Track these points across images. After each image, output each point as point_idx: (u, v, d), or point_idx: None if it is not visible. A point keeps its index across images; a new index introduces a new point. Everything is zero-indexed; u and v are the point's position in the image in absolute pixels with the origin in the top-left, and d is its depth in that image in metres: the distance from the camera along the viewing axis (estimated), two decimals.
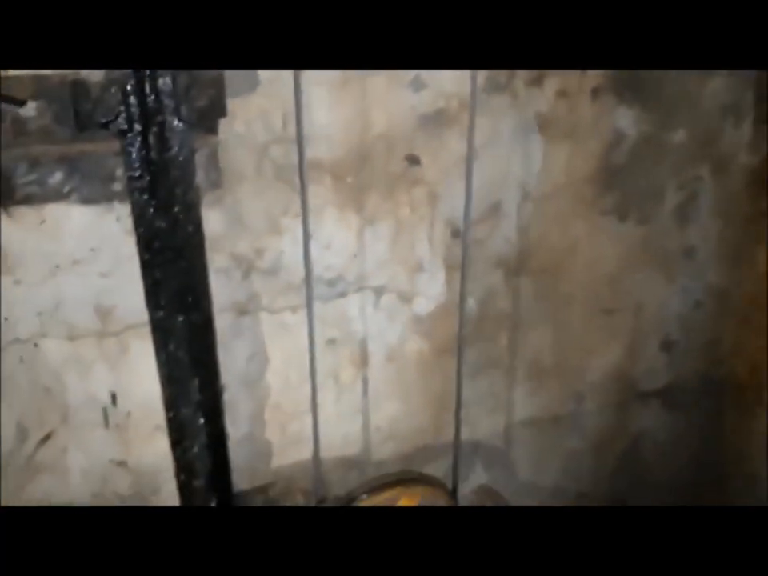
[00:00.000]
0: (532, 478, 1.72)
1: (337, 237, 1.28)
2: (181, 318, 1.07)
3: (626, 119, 1.40)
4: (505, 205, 1.39)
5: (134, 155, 0.93)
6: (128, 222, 1.10)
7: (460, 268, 1.39)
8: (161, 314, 1.06)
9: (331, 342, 1.39)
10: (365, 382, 1.46)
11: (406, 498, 1.38)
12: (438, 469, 1.56)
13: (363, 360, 1.44)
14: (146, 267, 1.03)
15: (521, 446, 1.67)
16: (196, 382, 1.11)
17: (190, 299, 1.07)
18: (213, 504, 1.20)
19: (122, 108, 0.88)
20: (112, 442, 1.30)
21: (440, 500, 1.39)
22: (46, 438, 1.25)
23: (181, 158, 0.96)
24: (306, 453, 1.46)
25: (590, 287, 1.54)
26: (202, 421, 1.13)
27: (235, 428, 1.38)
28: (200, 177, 1.11)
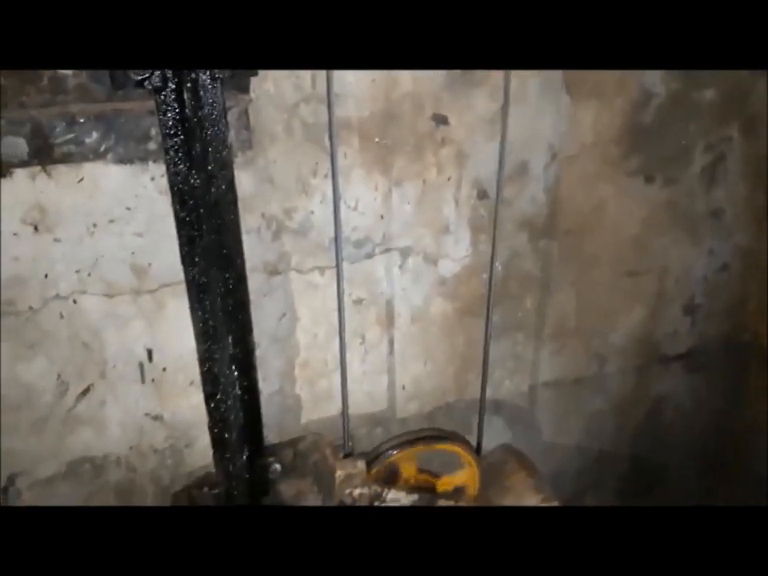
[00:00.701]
0: (554, 437, 1.75)
1: (364, 198, 1.30)
2: (215, 275, 1.10)
3: (654, 77, 1.39)
4: (532, 165, 1.39)
5: (168, 113, 0.95)
6: (162, 182, 1.14)
7: (485, 229, 1.41)
8: (195, 270, 1.09)
9: (358, 302, 1.41)
10: (390, 341, 1.49)
11: (430, 454, 1.42)
12: (461, 428, 1.60)
13: (389, 320, 1.46)
14: (181, 225, 1.05)
15: (543, 406, 1.70)
16: (230, 337, 1.14)
17: (224, 257, 1.09)
18: (244, 457, 1.25)
19: None
20: (148, 397, 1.35)
21: (464, 457, 1.43)
22: (85, 391, 1.30)
23: (214, 116, 0.97)
24: (333, 409, 1.51)
25: (615, 249, 1.54)
26: (235, 375, 1.17)
27: (266, 384, 1.43)
28: (231, 136, 1.13)
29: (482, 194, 1.37)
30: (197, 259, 1.09)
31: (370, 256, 1.36)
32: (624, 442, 1.84)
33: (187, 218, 1.06)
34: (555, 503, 1.44)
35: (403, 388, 1.56)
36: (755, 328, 1.79)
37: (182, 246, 1.09)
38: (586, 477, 1.84)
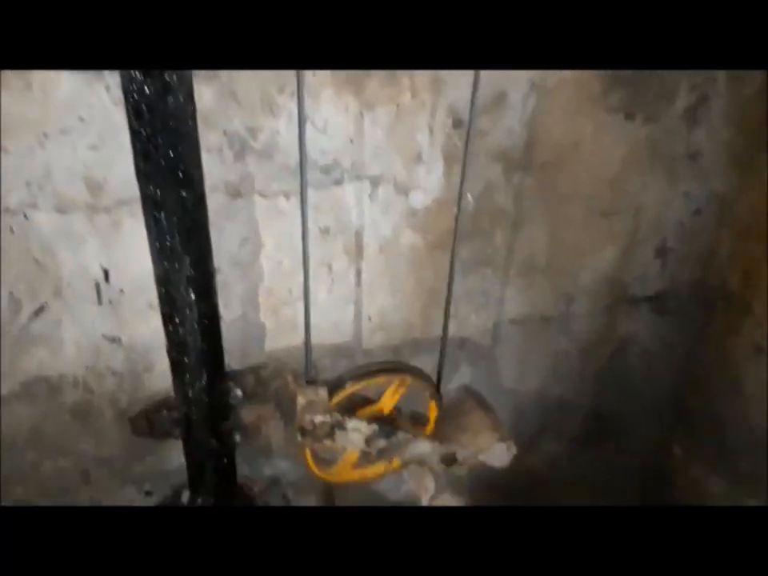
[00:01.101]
0: (517, 376, 1.77)
1: (333, 120, 1.24)
2: (172, 193, 1.05)
3: None
4: (510, 96, 1.33)
5: None
6: (118, 93, 1.07)
7: (459, 160, 1.36)
8: (151, 187, 1.04)
9: (325, 230, 1.38)
10: (358, 272, 1.46)
11: (392, 387, 1.42)
12: (425, 363, 1.60)
13: (357, 250, 1.43)
14: (136, 137, 1.00)
15: (508, 344, 1.70)
16: (188, 259, 1.11)
17: (181, 173, 1.04)
18: (203, 381, 1.24)
19: None
20: (105, 318, 1.32)
21: (425, 392, 1.43)
22: (39, 310, 1.26)
23: None
24: (298, 339, 1.49)
25: (591, 187, 1.51)
26: (193, 297, 1.14)
27: (228, 310, 1.40)
28: None
29: (458, 123, 1.32)
30: (152, 175, 1.04)
31: (338, 183, 1.32)
32: (587, 383, 1.86)
33: (142, 131, 1.00)
34: (510, 442, 1.46)
35: (369, 320, 1.55)
36: (725, 275, 1.80)
37: (136, 160, 1.04)
38: (547, 417, 1.88)
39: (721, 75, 1.48)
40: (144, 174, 1.04)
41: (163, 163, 1.02)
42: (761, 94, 1.53)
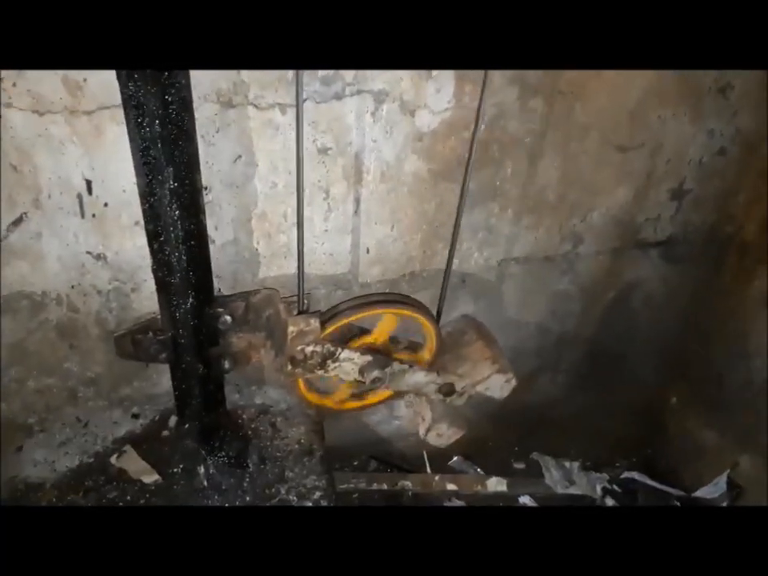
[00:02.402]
0: (518, 314, 1.71)
1: None
2: (155, 95, 0.96)
3: None
4: None
5: None
6: None
7: (472, 79, 1.27)
8: (132, 88, 0.95)
9: (323, 150, 1.29)
10: (356, 200, 1.39)
11: (388, 318, 1.37)
12: (425, 297, 1.54)
13: (357, 176, 1.35)
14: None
15: (511, 282, 1.64)
16: (172, 170, 1.03)
17: (164, 74, 0.95)
18: (189, 303, 1.18)
19: None
20: (88, 233, 1.25)
21: (423, 324, 1.38)
22: (18, 220, 1.19)
23: None
24: (292, 267, 1.43)
25: (609, 118, 1.42)
26: (178, 213, 1.07)
27: (219, 233, 1.34)
28: None
29: None
30: (133, 74, 0.95)
31: (339, 97, 1.22)
32: (588, 326, 1.81)
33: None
34: (510, 374, 1.42)
35: (367, 251, 1.48)
36: (742, 221, 1.72)
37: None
38: (545, 356, 1.83)
39: None
40: (124, 74, 0.95)
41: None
42: None
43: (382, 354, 1.36)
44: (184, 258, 1.13)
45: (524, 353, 1.79)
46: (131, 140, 1.01)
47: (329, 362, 1.32)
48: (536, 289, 1.68)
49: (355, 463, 1.94)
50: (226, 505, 1.33)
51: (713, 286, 1.82)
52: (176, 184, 1.04)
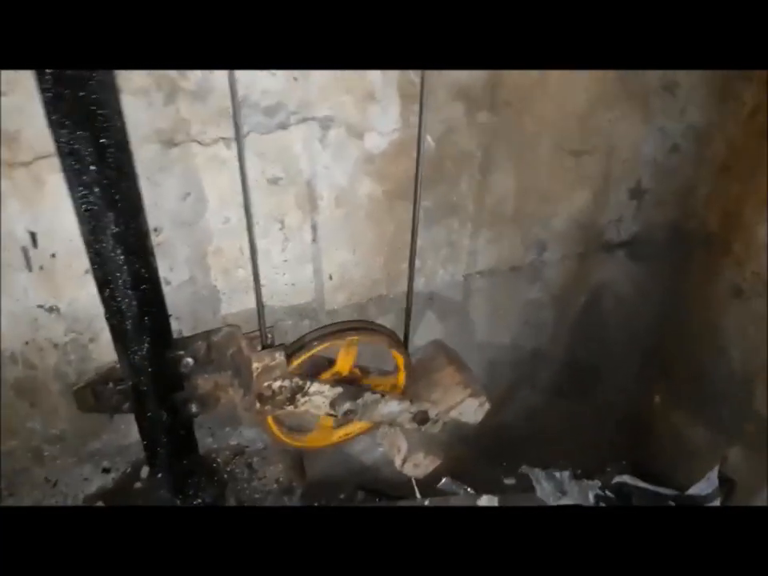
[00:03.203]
0: (489, 329, 1.69)
1: None
2: (89, 140, 0.93)
3: None
4: None
5: None
6: None
7: (417, 98, 1.25)
8: (65, 134, 0.93)
9: (273, 181, 1.27)
10: (313, 227, 1.37)
11: (345, 347, 1.34)
12: (392, 319, 1.52)
13: (311, 203, 1.33)
14: (41, 77, 0.88)
15: (478, 297, 1.62)
16: (112, 215, 1.00)
17: (98, 117, 0.93)
18: (146, 349, 1.14)
19: None
20: (38, 286, 1.21)
21: (392, 350, 1.35)
22: None
23: None
24: (253, 301, 1.39)
25: (559, 125, 1.42)
26: (123, 259, 1.03)
27: (174, 273, 1.30)
28: None
29: None
30: (65, 120, 0.92)
31: (284, 126, 1.20)
32: (562, 333, 1.80)
33: (50, 72, 0.88)
34: (483, 398, 1.39)
35: (330, 278, 1.45)
36: (703, 215, 1.72)
37: (45, 104, 0.91)
38: (522, 369, 1.81)
39: None
40: (56, 121, 0.92)
41: (74, 105, 0.90)
42: None
43: (352, 385, 1.33)
44: (135, 303, 1.09)
45: (500, 366, 1.77)
46: (70, 187, 0.98)
47: (298, 396, 1.29)
48: (506, 300, 1.66)
49: (342, 496, 1.89)
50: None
51: (682, 282, 1.82)
52: (120, 228, 1.01)
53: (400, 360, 1.36)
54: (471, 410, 1.39)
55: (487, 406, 1.39)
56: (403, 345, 1.37)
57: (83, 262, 1.20)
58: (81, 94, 0.90)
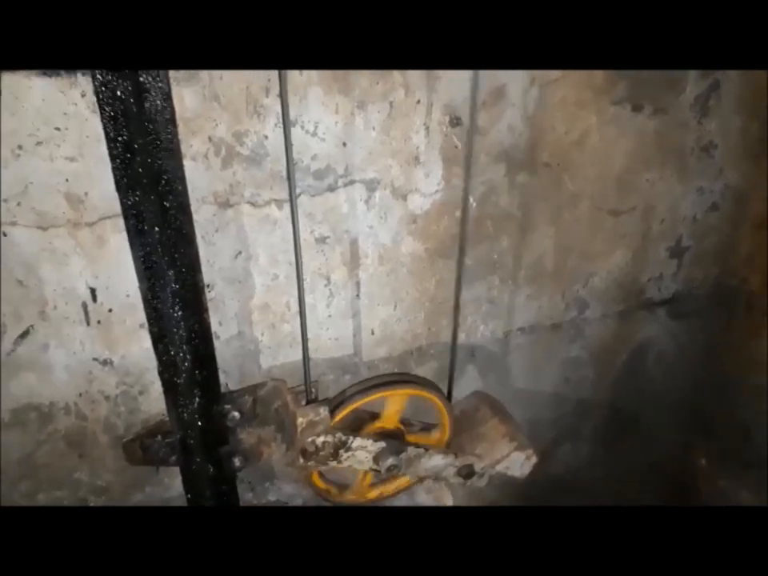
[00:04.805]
0: (530, 385, 1.68)
1: (324, 122, 1.18)
2: (154, 203, 0.99)
3: None
4: (509, 90, 1.27)
5: None
6: (94, 99, 1.02)
7: (459, 161, 1.31)
8: (131, 198, 0.98)
9: (321, 240, 1.31)
10: (357, 284, 1.40)
11: (393, 401, 1.34)
12: (432, 373, 1.53)
13: (355, 261, 1.37)
14: (112, 145, 0.94)
15: (519, 353, 1.62)
16: (173, 273, 1.05)
17: (162, 182, 0.99)
18: (196, 403, 1.17)
19: None
20: (95, 340, 1.26)
21: (435, 403, 1.36)
22: (25, 333, 1.21)
23: None
24: (298, 355, 1.42)
25: (598, 185, 1.44)
26: (181, 314, 1.07)
27: (223, 328, 1.34)
28: None
29: (455, 121, 1.26)
30: (132, 184, 0.98)
31: (332, 189, 1.26)
32: (603, 390, 1.78)
33: (119, 137, 0.95)
34: (529, 451, 1.38)
35: (372, 333, 1.48)
36: (744, 273, 1.72)
37: (115, 169, 0.98)
38: (563, 425, 1.79)
39: None
40: (123, 185, 0.98)
41: (142, 171, 0.96)
42: None
43: (395, 440, 1.33)
44: (189, 357, 1.13)
45: (541, 423, 1.75)
46: (132, 247, 1.03)
47: (341, 451, 1.29)
48: (546, 357, 1.66)
49: None
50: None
51: (724, 340, 1.80)
52: (178, 286, 1.06)
53: (444, 413, 1.36)
54: (518, 463, 1.37)
55: (534, 459, 1.37)
56: (446, 397, 1.37)
57: (138, 316, 1.26)
58: (148, 160, 0.97)
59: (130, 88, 0.89)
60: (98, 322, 1.24)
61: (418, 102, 1.22)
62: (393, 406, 1.35)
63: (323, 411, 1.27)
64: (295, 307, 1.35)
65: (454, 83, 1.22)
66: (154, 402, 1.37)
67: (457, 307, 1.30)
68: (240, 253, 1.27)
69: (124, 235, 1.02)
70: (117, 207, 1.00)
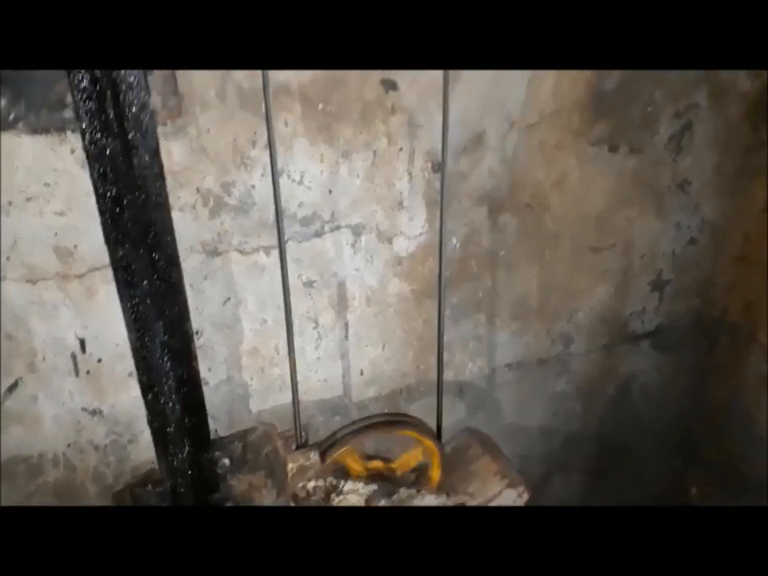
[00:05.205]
0: (518, 420, 1.69)
1: (309, 171, 1.21)
2: (142, 256, 1.00)
3: None
4: (489, 135, 1.31)
5: (79, 75, 0.86)
6: (83, 155, 1.04)
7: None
8: (120, 251, 1.00)
9: (309, 284, 1.33)
10: (345, 325, 1.41)
11: (389, 441, 1.35)
12: (422, 411, 1.53)
13: (343, 303, 1.39)
14: (101, 200, 0.96)
15: (507, 389, 1.64)
16: (162, 324, 1.05)
17: (151, 235, 1.00)
18: (186, 451, 1.17)
19: None
20: (83, 390, 1.26)
21: (425, 442, 1.36)
22: (13, 386, 1.20)
23: (131, 79, 0.88)
24: (287, 397, 1.42)
25: (578, 224, 1.48)
26: (170, 364, 1.08)
27: (212, 374, 1.35)
28: (157, 102, 1.04)
29: (437, 167, 1.30)
30: (121, 238, 0.99)
31: (319, 234, 1.28)
32: (591, 423, 1.79)
33: (108, 192, 0.96)
34: (521, 488, 1.38)
35: (361, 373, 1.49)
36: (725, 304, 1.75)
37: (104, 223, 0.99)
38: (553, 460, 1.79)
39: (703, 100, 1.47)
40: (112, 238, 0.99)
41: (131, 226, 0.98)
42: (745, 117, 1.52)
43: (387, 481, 1.33)
44: (178, 406, 1.13)
45: (531, 458, 1.76)
46: (121, 299, 1.04)
47: (333, 495, 1.29)
48: (534, 392, 1.68)
49: None
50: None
51: (710, 371, 1.83)
52: (167, 336, 1.07)
53: (435, 451, 1.37)
54: (510, 500, 1.37)
55: (526, 495, 1.37)
56: (436, 436, 1.38)
57: (127, 365, 1.26)
58: (137, 215, 0.98)
59: (119, 145, 0.92)
60: (87, 372, 1.25)
61: (401, 149, 1.25)
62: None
63: (313, 456, 1.27)
64: (284, 350, 1.36)
65: (435, 131, 1.25)
66: (144, 451, 1.37)
67: (440, 346, 1.31)
68: (229, 299, 1.28)
69: (113, 285, 1.03)
70: (106, 258, 1.01)
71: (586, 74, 1.32)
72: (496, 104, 1.28)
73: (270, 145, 1.03)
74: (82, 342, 1.22)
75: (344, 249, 1.31)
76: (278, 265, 1.17)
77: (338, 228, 1.29)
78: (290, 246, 1.26)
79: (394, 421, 1.36)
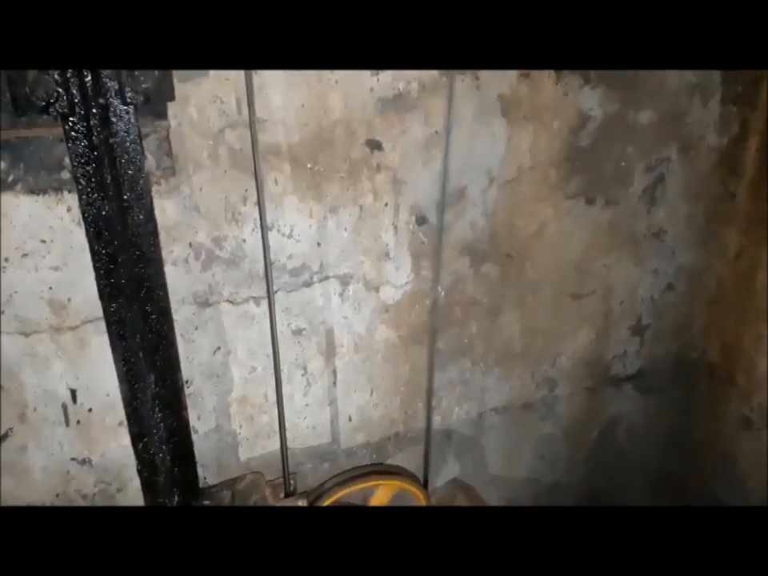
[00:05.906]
0: (505, 464, 1.71)
1: (298, 225, 1.25)
2: (135, 310, 1.04)
3: (591, 100, 1.39)
4: (470, 190, 1.37)
5: (77, 140, 0.90)
6: (79, 213, 1.08)
7: (426, 255, 1.38)
8: (114, 305, 1.03)
9: (298, 332, 1.36)
10: (333, 372, 1.44)
11: (377, 493, 1.36)
12: (410, 457, 1.55)
13: (331, 350, 1.41)
14: (97, 257, 1.00)
15: (493, 433, 1.66)
16: (153, 376, 1.08)
17: (144, 290, 1.04)
18: (175, 500, 1.18)
19: (62, 90, 0.85)
20: (73, 440, 1.27)
21: (412, 492, 1.38)
22: (3, 437, 1.22)
23: (128, 143, 0.93)
24: (276, 444, 1.44)
25: (558, 272, 1.53)
26: (160, 415, 1.10)
27: (202, 422, 1.36)
28: (151, 164, 1.08)
29: (421, 220, 1.35)
30: (115, 293, 1.03)
31: (308, 284, 1.32)
32: (577, 465, 1.81)
33: (103, 251, 1.00)
34: None
35: (349, 419, 1.51)
36: (703, 346, 1.80)
37: (98, 279, 1.03)
38: (541, 503, 1.81)
39: (674, 154, 1.54)
40: (106, 293, 1.03)
41: (125, 282, 1.01)
42: (714, 169, 1.59)
43: None
44: (168, 455, 1.15)
45: (517, 501, 1.77)
46: (114, 351, 1.07)
47: None
48: (520, 436, 1.70)
49: None
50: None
51: (691, 412, 1.86)
52: (158, 387, 1.09)
53: (421, 502, 1.38)
54: None
55: None
56: (423, 487, 1.39)
57: (117, 414, 1.27)
58: (131, 270, 1.02)
59: (114, 206, 0.96)
60: (78, 422, 1.26)
61: (386, 204, 1.30)
62: (374, 500, 1.37)
63: (301, 504, 1.28)
64: (273, 398, 1.38)
65: (418, 187, 1.31)
66: (132, 499, 1.37)
67: (430, 390, 1.35)
68: (219, 348, 1.31)
69: (105, 337, 1.06)
70: (99, 311, 1.05)
71: (562, 130, 1.39)
72: (476, 161, 1.34)
73: (259, 199, 1.08)
74: (73, 393, 1.24)
75: (332, 298, 1.35)
76: (267, 314, 1.21)
77: (326, 278, 1.32)
78: (280, 296, 1.29)
79: (383, 471, 1.38)
